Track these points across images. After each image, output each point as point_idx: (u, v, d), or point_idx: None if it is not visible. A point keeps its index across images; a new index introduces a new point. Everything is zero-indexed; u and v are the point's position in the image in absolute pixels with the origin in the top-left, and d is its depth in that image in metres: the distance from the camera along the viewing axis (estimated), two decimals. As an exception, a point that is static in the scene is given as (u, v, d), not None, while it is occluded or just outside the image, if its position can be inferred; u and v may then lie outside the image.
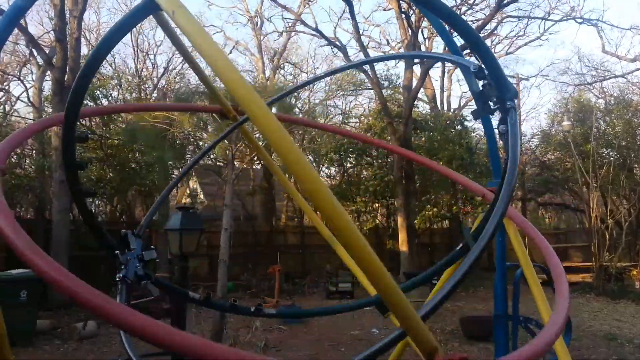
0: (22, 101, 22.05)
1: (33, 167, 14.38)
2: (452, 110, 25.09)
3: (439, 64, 22.92)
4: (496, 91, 1.76)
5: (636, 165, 19.96)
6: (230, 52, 30.84)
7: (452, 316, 10.53)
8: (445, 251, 21.44)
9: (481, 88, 1.80)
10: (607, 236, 14.62)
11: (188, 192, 23.33)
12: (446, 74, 25.22)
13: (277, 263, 15.13)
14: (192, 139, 14.05)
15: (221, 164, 18.40)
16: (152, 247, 2.79)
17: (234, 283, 14.94)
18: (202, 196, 24.10)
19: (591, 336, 8.71)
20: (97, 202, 19.35)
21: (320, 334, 9.15)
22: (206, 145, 10.08)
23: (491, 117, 3.28)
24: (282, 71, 25.05)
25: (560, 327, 2.03)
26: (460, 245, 2.90)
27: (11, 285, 8.07)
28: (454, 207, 16.82)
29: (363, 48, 16.91)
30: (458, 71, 28.51)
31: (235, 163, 13.37)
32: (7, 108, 21.57)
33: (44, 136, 13.52)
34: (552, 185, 22.24)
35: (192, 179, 22.87)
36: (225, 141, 7.78)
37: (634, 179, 18.34)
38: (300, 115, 21.00)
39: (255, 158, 19.35)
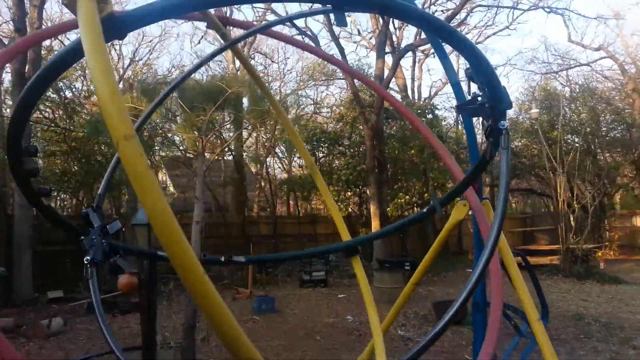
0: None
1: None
2: (423, 99, 25.26)
3: (410, 53, 22.99)
4: (490, 100, 1.70)
5: (600, 151, 20.55)
6: (199, 43, 30.32)
7: (425, 301, 10.64)
8: (417, 237, 21.71)
9: (473, 94, 1.76)
10: (572, 220, 15.02)
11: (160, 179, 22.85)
12: (417, 64, 25.28)
13: (250, 253, 15.00)
14: (160, 131, 13.70)
15: (191, 156, 18.08)
16: (115, 216, 2.63)
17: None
18: (171, 188, 23.64)
19: (560, 317, 8.92)
20: (62, 196, 18.79)
21: (294, 324, 9.10)
22: (175, 136, 9.81)
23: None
24: (252, 61, 24.67)
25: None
26: (427, 207, 2.92)
27: None
28: (426, 194, 16.97)
29: (334, 37, 16.80)
30: (428, 61, 28.74)
31: (206, 154, 13.14)
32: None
33: (3, 128, 12.93)
34: (519, 171, 22.68)
35: (161, 171, 22.42)
36: (196, 132, 7.59)
37: (599, 164, 18.88)
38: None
39: (226, 150, 19.10)
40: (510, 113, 31.87)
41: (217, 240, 16.62)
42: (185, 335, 5.37)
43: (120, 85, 19.40)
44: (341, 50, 16.65)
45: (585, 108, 20.19)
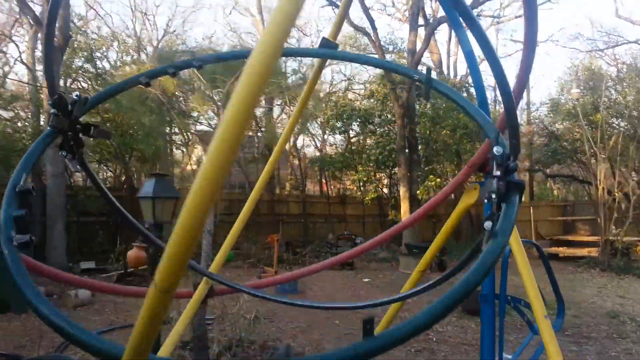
0: (22, 63, 21.67)
1: (29, 130, 14.13)
2: (459, 76, 24.42)
3: (445, 27, 22.16)
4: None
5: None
6: (230, 13, 30.02)
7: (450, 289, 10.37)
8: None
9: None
10: (614, 209, 14.28)
11: (195, 158, 23.06)
12: (453, 39, 24.36)
13: (279, 232, 15.00)
14: (176, 102, 13.66)
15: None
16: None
17: (233, 252, 14.85)
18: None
19: (593, 313, 8.52)
20: (95, 166, 19.21)
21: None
22: (192, 107, 9.65)
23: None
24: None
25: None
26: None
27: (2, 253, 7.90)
28: (458, 177, 16.48)
29: (366, 9, 16.24)
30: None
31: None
32: (7, 70, 21.19)
33: (37, 98, 13.22)
34: (560, 156, 21.76)
35: (198, 146, 22.55)
36: (216, 107, 7.43)
37: (644, 150, 17.86)
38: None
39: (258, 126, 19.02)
40: (552, 93, 30.55)
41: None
42: (197, 312, 5.32)
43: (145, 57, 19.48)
44: (372, 21, 16.10)
45: (633, 89, 19.02)
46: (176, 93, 8.66)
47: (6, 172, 13.98)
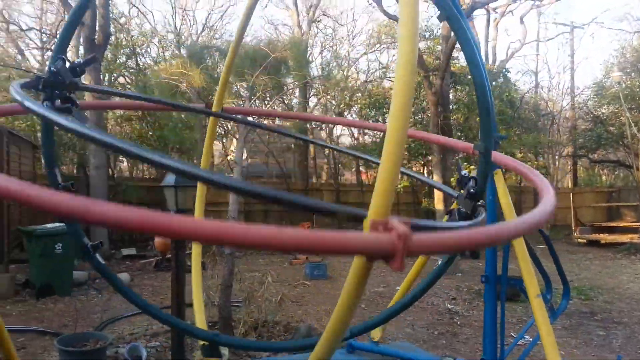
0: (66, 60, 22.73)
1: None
2: (498, 61, 23.81)
3: (483, 11, 21.64)
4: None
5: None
6: (266, 6, 30.38)
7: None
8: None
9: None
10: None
11: (232, 148, 23.57)
12: (492, 23, 23.75)
13: (311, 221, 15.24)
14: (204, 94, 14.00)
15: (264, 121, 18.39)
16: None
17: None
18: (244, 154, 24.41)
19: (627, 299, 8.30)
20: (140, 162, 19.97)
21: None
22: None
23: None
24: (319, 24, 24.40)
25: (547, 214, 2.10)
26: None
27: (47, 239, 8.47)
28: (494, 165, 16.19)
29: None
30: (505, 20, 26.91)
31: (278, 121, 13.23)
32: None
33: (81, 94, 13.87)
34: (606, 141, 20.95)
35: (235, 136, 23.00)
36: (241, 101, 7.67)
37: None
38: (337, 73, 20.55)
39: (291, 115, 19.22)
40: (597, 76, 29.21)
41: (280, 206, 16.98)
42: (222, 294, 5.60)
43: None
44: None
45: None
46: (204, 86, 8.98)
47: (55, 164, 14.82)
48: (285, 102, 18.35)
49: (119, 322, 6.96)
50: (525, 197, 21.99)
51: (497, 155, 3.28)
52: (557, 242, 17.09)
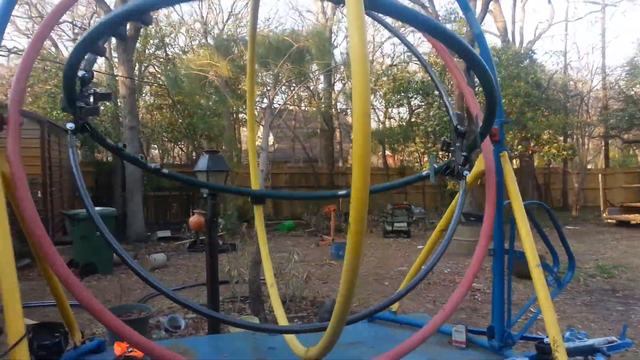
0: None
1: (108, 113, 15.52)
2: (526, 43, 23.44)
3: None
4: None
5: None
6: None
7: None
8: (513, 192, 20.81)
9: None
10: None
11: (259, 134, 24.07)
12: (518, 3, 23.34)
13: (337, 203, 15.58)
14: (231, 84, 14.37)
15: (289, 107, 18.72)
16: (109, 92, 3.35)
17: (294, 222, 15.66)
18: (271, 138, 24.93)
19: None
20: (171, 148, 20.67)
21: (367, 269, 9.52)
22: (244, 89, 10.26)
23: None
24: (344, 10, 24.37)
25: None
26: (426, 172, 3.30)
27: (88, 222, 9.06)
28: (519, 147, 16.16)
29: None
30: (532, 1, 26.24)
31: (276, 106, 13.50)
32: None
33: (114, 85, 14.50)
34: (639, 120, 20.53)
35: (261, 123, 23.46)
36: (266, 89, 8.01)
37: None
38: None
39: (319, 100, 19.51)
40: (629, 55, 28.33)
41: (305, 190, 17.39)
42: (252, 270, 6.00)
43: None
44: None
45: None
46: (230, 76, 9.31)
47: (90, 152, 15.56)
48: (310, 88, 18.59)
49: (157, 298, 7.47)
50: (554, 178, 21.81)
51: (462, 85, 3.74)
52: (586, 223, 17.02)
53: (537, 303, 3.10)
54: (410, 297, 7.64)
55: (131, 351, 3.68)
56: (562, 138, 19.41)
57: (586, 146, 23.03)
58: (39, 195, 10.61)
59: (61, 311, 3.46)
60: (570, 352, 3.69)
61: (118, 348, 3.70)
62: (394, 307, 4.45)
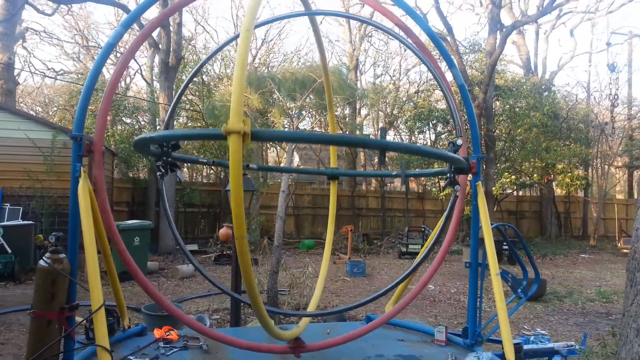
0: (142, 78, 25.26)
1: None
2: (549, 73, 23.98)
3: (532, 27, 21.93)
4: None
5: None
6: (321, 23, 31.90)
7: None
8: (533, 219, 21.16)
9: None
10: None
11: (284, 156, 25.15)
12: (543, 35, 23.96)
13: (358, 226, 16.31)
14: (260, 115, 15.41)
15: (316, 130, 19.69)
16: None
17: (314, 241, 16.43)
18: (296, 160, 25.97)
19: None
20: (201, 168, 21.86)
21: (378, 285, 10.19)
22: (272, 119, 11.25)
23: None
24: (371, 39, 25.51)
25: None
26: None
27: (127, 233, 10.06)
28: (535, 175, 16.64)
29: (442, 15, 16.92)
30: (556, 31, 26.65)
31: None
32: (128, 81, 24.94)
33: (155, 108, 15.73)
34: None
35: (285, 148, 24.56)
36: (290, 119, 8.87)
37: None
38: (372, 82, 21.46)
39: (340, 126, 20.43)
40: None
41: (326, 211, 18.15)
42: (270, 279, 6.78)
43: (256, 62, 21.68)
44: (448, 27, 16.74)
45: None
46: (260, 107, 10.21)
47: (128, 169, 16.77)
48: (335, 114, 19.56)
49: (185, 302, 8.33)
50: (574, 207, 22.02)
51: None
52: (602, 252, 17.23)
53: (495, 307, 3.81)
54: (414, 312, 8.30)
55: (168, 335, 4.55)
56: (581, 168, 19.73)
57: (605, 176, 23.20)
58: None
59: (117, 300, 4.33)
60: (534, 353, 4.40)
61: (157, 332, 4.57)
62: (388, 309, 5.17)
